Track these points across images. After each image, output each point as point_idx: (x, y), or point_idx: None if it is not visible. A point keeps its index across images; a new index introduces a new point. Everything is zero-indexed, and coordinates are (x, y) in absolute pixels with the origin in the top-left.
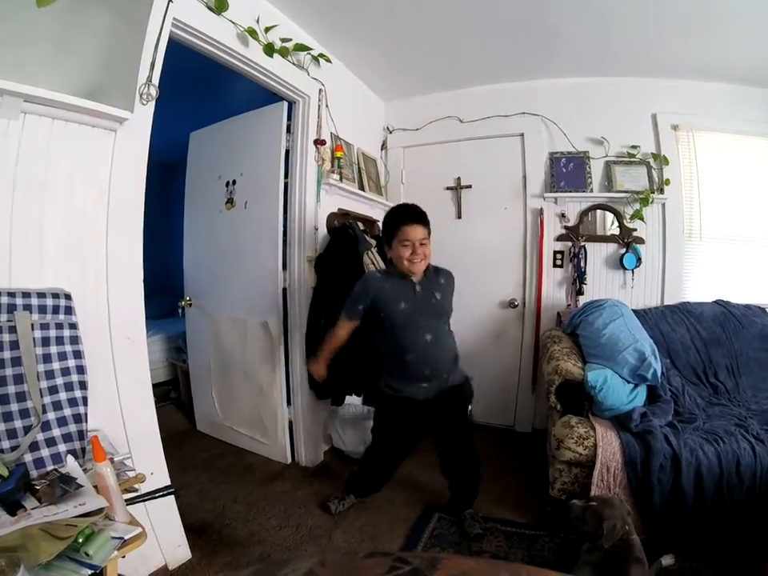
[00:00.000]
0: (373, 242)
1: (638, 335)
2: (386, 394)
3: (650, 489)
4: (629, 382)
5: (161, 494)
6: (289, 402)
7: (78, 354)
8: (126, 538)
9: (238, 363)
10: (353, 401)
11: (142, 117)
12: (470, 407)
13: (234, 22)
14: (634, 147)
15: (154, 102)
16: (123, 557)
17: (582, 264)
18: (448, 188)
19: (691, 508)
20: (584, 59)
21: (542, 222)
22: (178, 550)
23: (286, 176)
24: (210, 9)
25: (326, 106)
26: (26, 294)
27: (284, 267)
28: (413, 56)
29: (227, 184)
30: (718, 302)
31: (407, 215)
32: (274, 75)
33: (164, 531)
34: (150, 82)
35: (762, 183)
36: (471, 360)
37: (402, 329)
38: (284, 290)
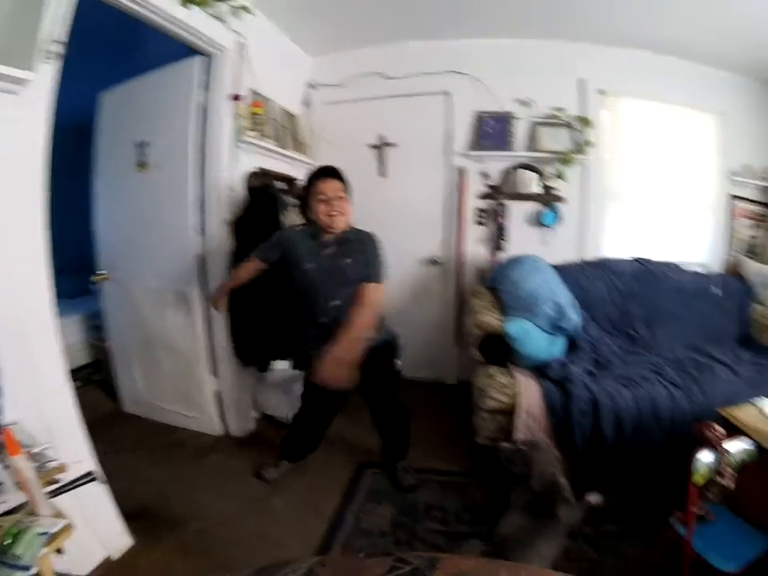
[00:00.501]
0: (293, 201)
1: (557, 289)
2: (310, 355)
3: (571, 432)
4: (548, 333)
5: (82, 481)
6: (215, 373)
7: None
8: (52, 531)
9: (160, 337)
10: (281, 365)
11: (45, 77)
12: (397, 362)
13: None
14: (559, 109)
15: (58, 60)
16: (60, 552)
17: (503, 221)
18: (372, 146)
19: (612, 449)
20: (516, 20)
21: (465, 180)
22: (119, 538)
23: (203, 135)
24: None
25: (247, 60)
26: None
27: (201, 232)
28: (340, 7)
29: (139, 146)
30: (635, 259)
31: (321, 171)
32: (191, 27)
33: (101, 522)
34: (54, 38)
35: (678, 148)
36: (397, 317)
37: (310, 291)
38: (202, 256)
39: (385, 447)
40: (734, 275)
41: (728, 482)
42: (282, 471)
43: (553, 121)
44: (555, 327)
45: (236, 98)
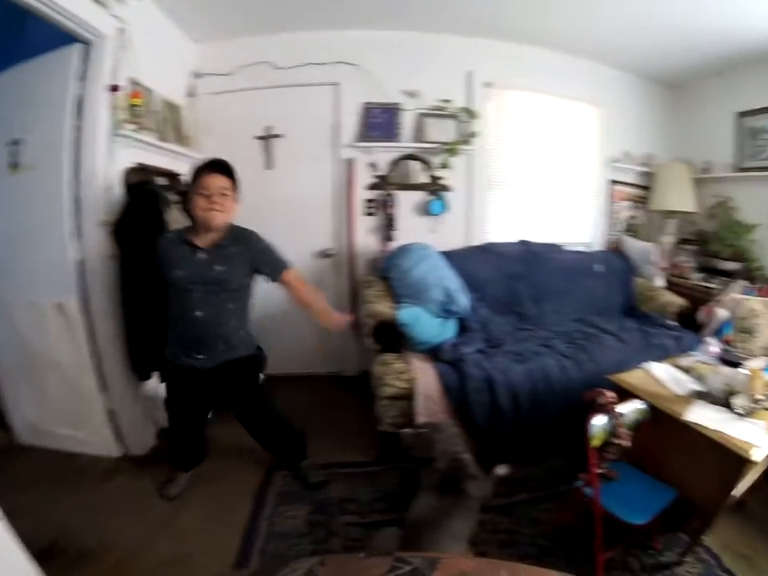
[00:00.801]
0: (175, 197)
1: (445, 274)
2: (168, 361)
3: (470, 410)
4: (439, 317)
5: None
6: (105, 389)
7: None
8: None
9: (43, 356)
10: None
11: None
12: (261, 376)
13: None
14: (446, 101)
15: None
16: None
17: (392, 211)
18: (258, 137)
19: (511, 421)
20: (404, 13)
21: (353, 172)
22: None
23: (77, 129)
24: None
25: (127, 47)
26: None
27: (78, 236)
28: None
29: (12, 144)
30: (520, 242)
31: (209, 164)
32: (64, 10)
33: (10, 568)
34: None
35: (560, 137)
36: (288, 314)
37: (176, 298)
38: (80, 262)
39: (274, 454)
40: (615, 252)
41: (624, 441)
42: (183, 484)
43: (439, 112)
44: (446, 311)
45: (114, 88)
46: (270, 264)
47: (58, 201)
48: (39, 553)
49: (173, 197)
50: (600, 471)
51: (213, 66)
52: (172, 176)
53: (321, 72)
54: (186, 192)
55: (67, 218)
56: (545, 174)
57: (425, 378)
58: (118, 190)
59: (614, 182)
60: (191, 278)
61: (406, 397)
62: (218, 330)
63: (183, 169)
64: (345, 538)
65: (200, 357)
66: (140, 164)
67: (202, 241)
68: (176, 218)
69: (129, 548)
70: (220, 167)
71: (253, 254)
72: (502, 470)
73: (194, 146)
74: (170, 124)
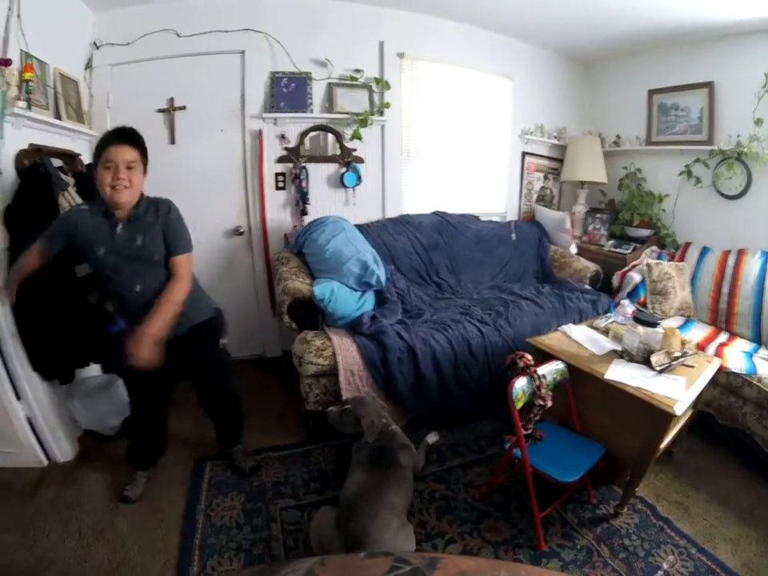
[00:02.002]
0: (71, 180)
1: (360, 247)
2: (121, 342)
3: (394, 381)
4: (356, 291)
5: None
6: (18, 396)
7: None
8: None
9: None
10: (89, 371)
11: None
12: (223, 341)
13: None
14: (357, 71)
15: None
16: None
17: (305, 185)
18: (160, 110)
19: (436, 389)
20: None
21: (261, 144)
22: None
23: None
24: None
25: (18, 16)
26: None
27: None
28: None
29: None
30: (435, 213)
31: (114, 134)
32: None
33: None
34: None
35: (473, 109)
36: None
37: (107, 276)
38: None
39: (218, 432)
40: (529, 222)
41: (545, 401)
42: (142, 483)
43: (351, 82)
44: (363, 284)
45: (6, 62)
46: (175, 240)
47: None
48: None
49: (69, 179)
50: (526, 432)
51: (113, 35)
52: (69, 156)
53: (226, 40)
54: (82, 173)
55: None
56: (459, 146)
57: (346, 353)
58: (11, 175)
59: (527, 153)
60: (116, 254)
61: (330, 374)
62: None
63: (82, 148)
64: (284, 523)
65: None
66: (34, 145)
67: (117, 214)
68: (71, 201)
69: (70, 560)
70: (126, 136)
71: (163, 226)
72: (431, 438)
73: (93, 123)
74: (65, 99)
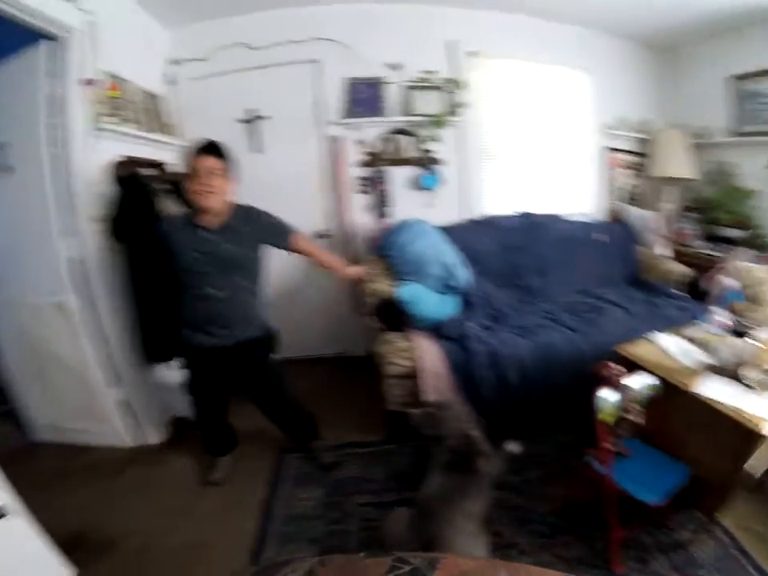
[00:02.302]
0: (164, 187)
1: (443, 249)
2: (183, 343)
3: (477, 386)
4: (440, 293)
5: None
6: (117, 383)
7: None
8: None
9: (48, 355)
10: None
11: None
12: (273, 357)
13: None
14: (430, 72)
15: None
16: None
17: (385, 188)
18: (241, 120)
19: (520, 397)
20: None
21: (341, 150)
22: (60, 571)
23: (57, 128)
24: None
25: (98, 40)
26: None
27: (71, 234)
28: None
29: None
30: (519, 213)
31: (200, 147)
32: (29, 8)
33: (36, 559)
34: None
35: (552, 105)
36: (292, 296)
37: (190, 279)
38: (75, 260)
39: (287, 433)
40: (616, 221)
41: (635, 417)
42: (226, 467)
43: (425, 84)
44: (446, 287)
45: (89, 82)
46: (277, 233)
47: (42, 200)
48: (66, 543)
49: (161, 186)
50: (611, 447)
51: (188, 51)
52: (158, 165)
53: (299, 50)
54: (174, 181)
55: (55, 216)
56: (539, 144)
57: (429, 355)
58: (108, 184)
59: (610, 149)
60: (203, 258)
61: (412, 375)
62: (234, 307)
63: (169, 157)
64: (360, 519)
65: (218, 335)
66: (126, 156)
67: (209, 222)
68: (168, 207)
69: (150, 535)
70: (210, 148)
71: (258, 229)
72: (512, 446)
73: (177, 133)
74: (151, 114)
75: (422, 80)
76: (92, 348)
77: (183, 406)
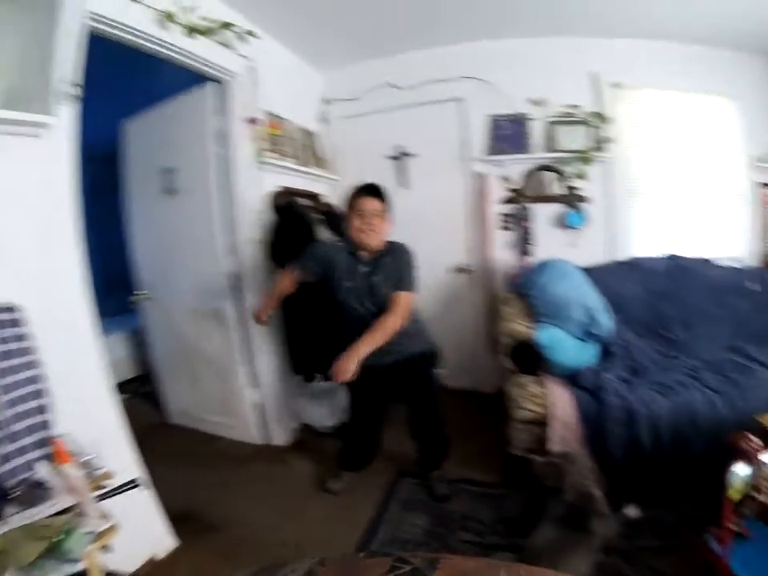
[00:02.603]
0: (319, 217)
1: (587, 292)
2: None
3: (606, 442)
4: (579, 339)
5: (126, 488)
6: (256, 385)
7: (34, 364)
8: (97, 531)
9: (198, 352)
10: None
11: (66, 118)
12: (437, 372)
13: (151, 7)
14: (574, 107)
15: (76, 102)
16: (107, 549)
17: (528, 225)
18: (390, 157)
19: (650, 459)
20: (523, 20)
21: (486, 186)
22: (164, 540)
23: (223, 159)
24: None
25: (258, 83)
26: None
27: (232, 252)
28: (345, 22)
29: (166, 172)
30: (667, 256)
31: (363, 189)
32: (197, 57)
33: (148, 523)
34: (71, 82)
35: (701, 138)
36: (430, 327)
37: (348, 306)
38: (234, 274)
39: (421, 456)
40: None
41: (765, 497)
42: (346, 482)
43: (569, 119)
44: (587, 333)
45: (252, 121)
46: (400, 279)
47: (210, 222)
48: (174, 517)
49: (316, 216)
50: (733, 527)
51: (340, 91)
52: (313, 197)
53: (444, 88)
54: (328, 211)
55: (220, 236)
56: (686, 180)
57: (561, 404)
58: (267, 212)
59: (764, 184)
60: (358, 289)
61: (540, 422)
62: None
63: (323, 189)
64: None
65: (378, 354)
66: (284, 187)
67: (363, 254)
68: (321, 234)
69: (255, 527)
70: (373, 191)
71: (398, 265)
72: (631, 510)
73: (331, 168)
74: (307, 149)
75: (566, 115)
76: (239, 351)
77: (310, 415)
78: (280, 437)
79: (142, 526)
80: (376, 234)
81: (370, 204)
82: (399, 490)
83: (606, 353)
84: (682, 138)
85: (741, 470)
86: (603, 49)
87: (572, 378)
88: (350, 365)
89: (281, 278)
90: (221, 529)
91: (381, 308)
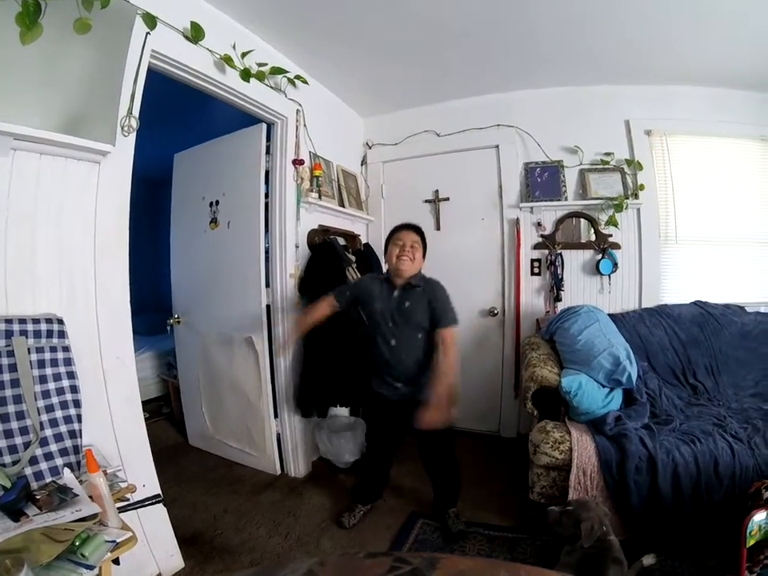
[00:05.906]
0: (353, 258)
1: (614, 340)
2: (369, 390)
3: (626, 490)
4: (604, 386)
5: (149, 502)
6: (276, 415)
7: (71, 375)
8: (117, 540)
9: (226, 378)
10: (339, 411)
11: (124, 148)
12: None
13: (210, 50)
14: (607, 154)
15: (134, 133)
16: (118, 563)
17: (559, 271)
18: (426, 201)
19: (670, 508)
20: (556, 69)
21: (518, 232)
22: (171, 559)
23: (267, 196)
24: (187, 38)
25: (304, 125)
26: (22, 321)
27: (267, 285)
28: (389, 74)
29: (211, 204)
30: (696, 303)
31: (403, 225)
32: (251, 99)
33: (157, 541)
34: (131, 114)
35: (734, 183)
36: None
37: (373, 328)
38: (268, 306)
39: (436, 492)
40: None
41: None
42: (359, 516)
43: (602, 166)
44: (612, 380)
45: (299, 162)
46: (441, 314)
47: (251, 255)
48: (186, 538)
49: (351, 256)
50: None
51: (381, 136)
52: (351, 236)
53: (481, 136)
54: (361, 250)
55: (259, 269)
56: (720, 226)
57: (583, 450)
58: (304, 249)
59: None
60: (386, 311)
61: (561, 468)
62: (410, 357)
63: (361, 230)
64: None
65: (398, 385)
66: (322, 226)
67: (397, 282)
68: (352, 276)
69: (265, 555)
70: (412, 226)
71: (433, 301)
72: (648, 559)
73: (370, 209)
74: (347, 190)
75: (600, 162)
76: (265, 382)
77: (329, 449)
78: (297, 469)
79: (153, 542)
80: (411, 262)
81: (408, 236)
82: (412, 529)
83: (631, 400)
84: (716, 183)
85: (759, 517)
86: (634, 95)
87: (595, 425)
88: (442, 414)
89: (314, 306)
90: (231, 555)
91: (405, 332)
